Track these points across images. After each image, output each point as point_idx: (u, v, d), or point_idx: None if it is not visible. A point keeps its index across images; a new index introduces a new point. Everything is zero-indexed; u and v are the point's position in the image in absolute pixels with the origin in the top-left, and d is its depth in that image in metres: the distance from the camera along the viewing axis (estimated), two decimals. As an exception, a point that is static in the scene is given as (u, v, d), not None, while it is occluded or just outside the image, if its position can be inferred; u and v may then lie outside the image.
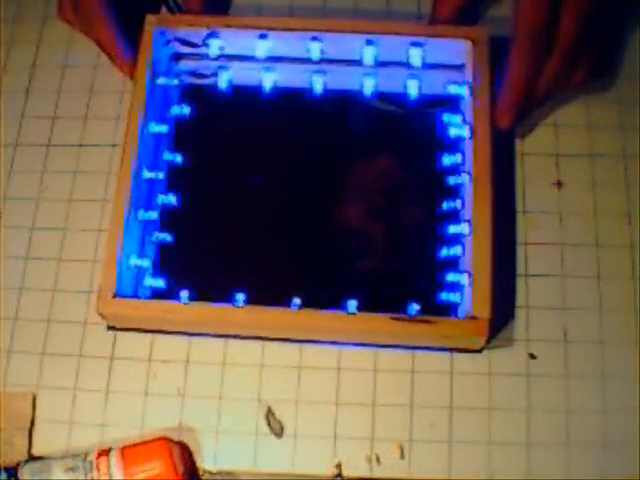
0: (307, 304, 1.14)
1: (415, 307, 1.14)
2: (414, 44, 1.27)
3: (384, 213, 1.27)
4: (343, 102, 1.32)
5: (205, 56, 1.32)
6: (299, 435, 1.16)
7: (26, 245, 1.29)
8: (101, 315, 1.17)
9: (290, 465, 1.15)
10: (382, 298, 1.17)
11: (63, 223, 1.30)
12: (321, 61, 1.30)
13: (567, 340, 1.19)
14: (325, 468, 1.15)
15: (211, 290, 1.17)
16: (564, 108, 1.32)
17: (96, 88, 1.39)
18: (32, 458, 1.16)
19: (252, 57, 1.31)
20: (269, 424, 1.17)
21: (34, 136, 1.36)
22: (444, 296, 1.18)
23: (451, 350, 1.18)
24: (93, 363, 1.21)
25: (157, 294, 1.21)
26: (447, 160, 1.24)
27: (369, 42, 1.28)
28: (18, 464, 1.13)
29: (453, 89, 1.28)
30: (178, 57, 1.35)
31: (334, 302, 1.14)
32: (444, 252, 1.20)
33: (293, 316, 1.14)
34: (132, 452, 1.10)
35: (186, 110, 1.31)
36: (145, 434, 1.16)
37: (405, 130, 1.31)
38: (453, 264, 1.20)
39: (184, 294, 1.17)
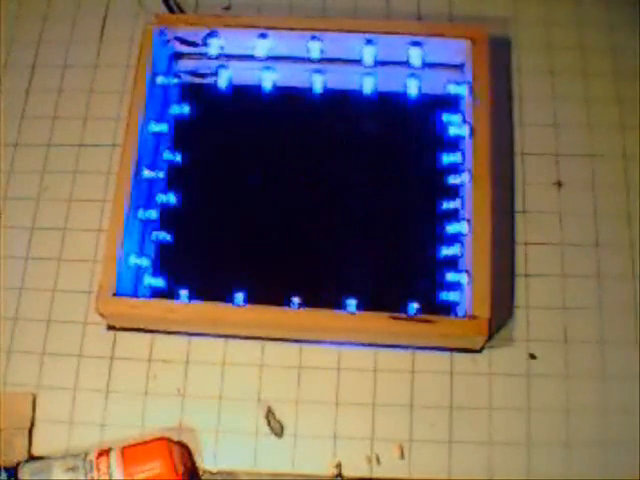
0: (307, 303, 1.14)
1: (415, 306, 1.14)
2: (414, 44, 1.27)
3: (384, 212, 1.27)
4: (343, 101, 1.33)
5: (205, 55, 1.32)
6: (299, 435, 1.16)
7: (26, 245, 1.29)
8: (101, 314, 1.17)
9: (290, 465, 1.15)
10: (382, 297, 1.17)
11: (63, 223, 1.30)
12: (321, 60, 1.30)
13: (567, 340, 1.19)
14: (325, 468, 1.15)
15: (211, 289, 1.17)
16: (564, 108, 1.32)
17: (96, 88, 1.39)
18: (32, 458, 1.16)
19: (252, 56, 1.31)
20: (269, 424, 1.17)
21: (34, 136, 1.36)
22: (444, 295, 1.18)
23: (451, 350, 1.18)
24: (93, 363, 1.21)
25: (157, 293, 1.21)
26: (447, 159, 1.24)
27: (369, 42, 1.28)
28: (18, 464, 1.13)
29: (453, 88, 1.28)
30: (178, 56, 1.35)
31: (334, 301, 1.15)
32: (444, 251, 1.20)
33: (293, 315, 1.14)
34: (132, 452, 1.10)
35: (186, 109, 1.31)
36: (145, 434, 1.16)
37: (405, 129, 1.31)
38: (453, 263, 1.20)
39: (184, 293, 1.17)
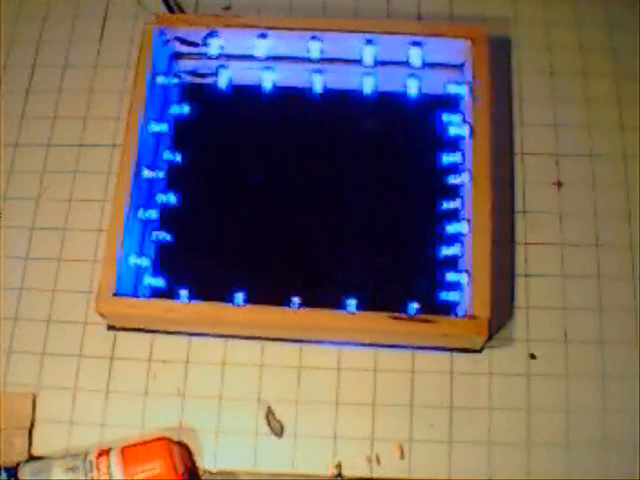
0: (306, 303, 1.14)
1: (415, 306, 1.15)
2: (414, 44, 1.27)
3: (383, 212, 1.27)
4: (343, 101, 1.33)
5: (205, 55, 1.32)
6: (299, 435, 1.16)
7: (26, 245, 1.29)
8: (101, 314, 1.17)
9: (290, 465, 1.15)
10: (382, 297, 1.17)
11: (63, 223, 1.30)
12: (321, 60, 1.30)
13: (567, 340, 1.19)
14: (325, 468, 1.15)
15: (211, 289, 1.17)
16: (564, 108, 1.32)
17: (96, 88, 1.39)
18: (32, 458, 1.16)
19: (252, 56, 1.31)
20: (269, 424, 1.17)
21: (34, 136, 1.36)
22: (444, 295, 1.18)
23: (451, 350, 1.18)
24: (93, 363, 1.21)
25: (157, 293, 1.21)
26: (447, 159, 1.24)
27: (369, 41, 1.28)
28: (18, 464, 1.13)
29: (453, 88, 1.28)
30: (178, 56, 1.35)
31: (334, 301, 1.15)
32: (444, 251, 1.20)
33: (293, 315, 1.14)
34: (132, 452, 1.10)
35: (186, 109, 1.31)
36: (145, 434, 1.16)
37: (405, 129, 1.31)
38: (453, 263, 1.20)
39: (184, 293, 1.17)
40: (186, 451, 1.15)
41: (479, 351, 1.18)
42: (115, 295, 1.15)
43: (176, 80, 1.32)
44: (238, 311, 1.14)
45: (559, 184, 1.28)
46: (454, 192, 1.23)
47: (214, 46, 1.31)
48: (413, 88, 1.30)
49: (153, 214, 1.23)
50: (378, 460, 1.14)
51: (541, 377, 1.17)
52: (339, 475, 1.14)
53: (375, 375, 1.18)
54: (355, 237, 1.25)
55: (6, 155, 1.35)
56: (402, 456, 1.14)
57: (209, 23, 1.30)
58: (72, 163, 1.34)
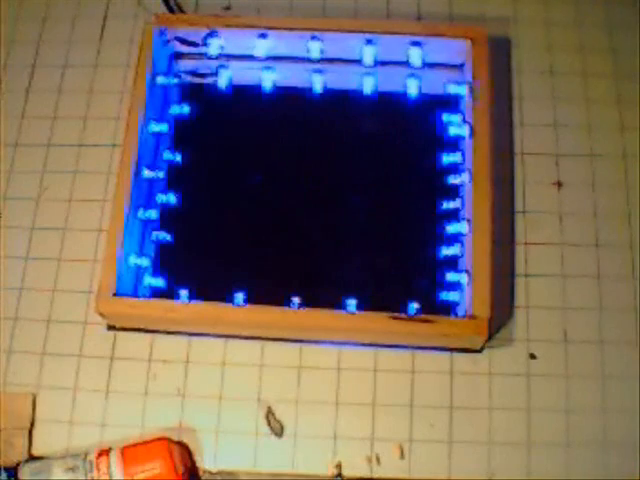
0: (307, 303, 1.14)
1: (415, 306, 1.15)
2: (414, 44, 1.27)
3: (383, 212, 1.27)
4: (343, 101, 1.33)
5: (205, 55, 1.32)
6: (299, 435, 1.16)
7: (26, 245, 1.29)
8: (101, 314, 1.17)
9: (290, 465, 1.15)
10: (382, 297, 1.17)
11: (63, 223, 1.30)
12: (321, 60, 1.30)
13: (567, 340, 1.19)
14: (325, 468, 1.15)
15: (211, 289, 1.17)
16: (564, 108, 1.32)
17: (96, 88, 1.39)
18: (32, 458, 1.16)
19: (252, 56, 1.31)
20: (269, 424, 1.17)
21: (34, 136, 1.36)
22: (444, 295, 1.18)
23: (451, 350, 1.18)
24: (93, 363, 1.21)
25: (157, 293, 1.21)
26: (447, 159, 1.25)
27: (369, 42, 1.28)
28: (18, 464, 1.13)
29: (453, 88, 1.28)
30: (178, 56, 1.35)
31: (334, 301, 1.15)
32: (444, 251, 1.20)
33: (293, 315, 1.14)
34: (132, 452, 1.10)
35: (186, 109, 1.31)
36: (145, 434, 1.16)
37: (405, 129, 1.31)
38: (453, 263, 1.20)
39: (184, 293, 1.17)
40: (186, 451, 1.15)
41: (479, 351, 1.18)
42: (115, 295, 1.15)
43: (176, 80, 1.32)
44: (238, 311, 1.14)
45: (559, 184, 1.28)
46: (454, 192, 1.23)
47: (214, 46, 1.31)
48: (413, 88, 1.30)
49: (153, 214, 1.23)
50: (378, 460, 1.14)
51: (541, 377, 1.17)
52: (339, 475, 1.14)
53: (375, 375, 1.18)
54: (355, 237, 1.25)
55: (6, 155, 1.35)
56: (402, 456, 1.14)
57: (209, 23, 1.30)
58: (72, 163, 1.34)
